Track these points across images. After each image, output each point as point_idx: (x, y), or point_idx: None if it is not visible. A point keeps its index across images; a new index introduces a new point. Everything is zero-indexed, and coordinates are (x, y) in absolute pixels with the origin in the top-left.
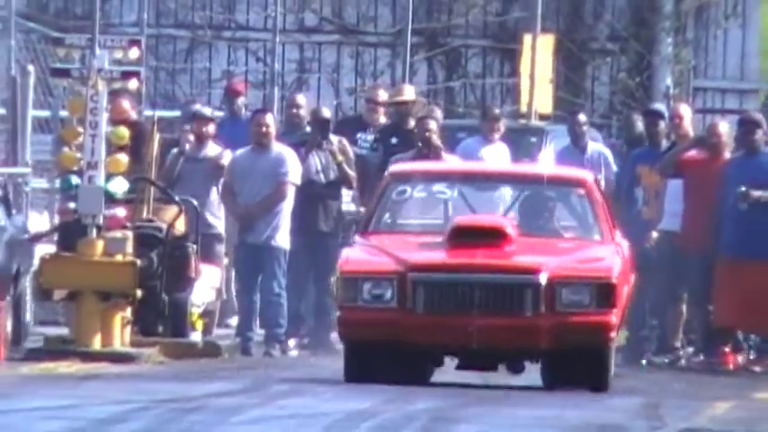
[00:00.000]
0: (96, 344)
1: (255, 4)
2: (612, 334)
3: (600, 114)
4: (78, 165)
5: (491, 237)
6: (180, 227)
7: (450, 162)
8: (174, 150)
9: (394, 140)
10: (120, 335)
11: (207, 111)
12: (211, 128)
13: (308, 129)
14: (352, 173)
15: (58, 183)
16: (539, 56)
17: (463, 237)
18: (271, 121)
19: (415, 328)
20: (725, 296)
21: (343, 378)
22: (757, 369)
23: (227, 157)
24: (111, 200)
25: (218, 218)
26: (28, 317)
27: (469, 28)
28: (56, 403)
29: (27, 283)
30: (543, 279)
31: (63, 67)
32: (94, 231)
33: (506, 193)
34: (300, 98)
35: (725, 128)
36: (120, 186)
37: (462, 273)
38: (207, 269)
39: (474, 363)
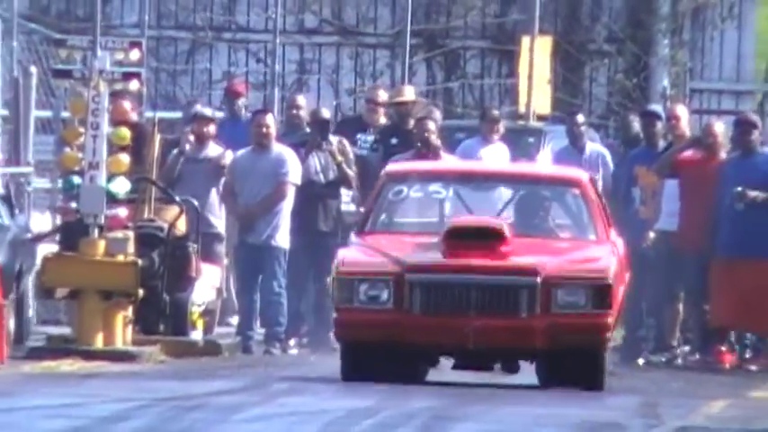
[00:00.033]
0: (98, 342)
1: (256, 5)
2: (608, 335)
3: (597, 115)
4: (80, 165)
5: (487, 238)
6: (181, 227)
7: (447, 161)
8: (175, 151)
9: (394, 141)
10: (122, 334)
11: (208, 111)
12: (212, 128)
13: (308, 129)
14: (351, 173)
15: (60, 183)
16: (537, 57)
17: (459, 237)
18: (271, 121)
19: (411, 328)
20: (721, 295)
21: (341, 378)
22: (753, 368)
23: (228, 158)
24: (112, 200)
25: (218, 218)
26: (30, 315)
27: (468, 29)
28: (58, 401)
29: (29, 283)
30: (539, 280)
31: (65, 69)
32: (96, 231)
33: (502, 192)
34: (300, 99)
35: (721, 128)
36: (121, 186)
37: (459, 274)
38: (207, 268)
39: (470, 363)
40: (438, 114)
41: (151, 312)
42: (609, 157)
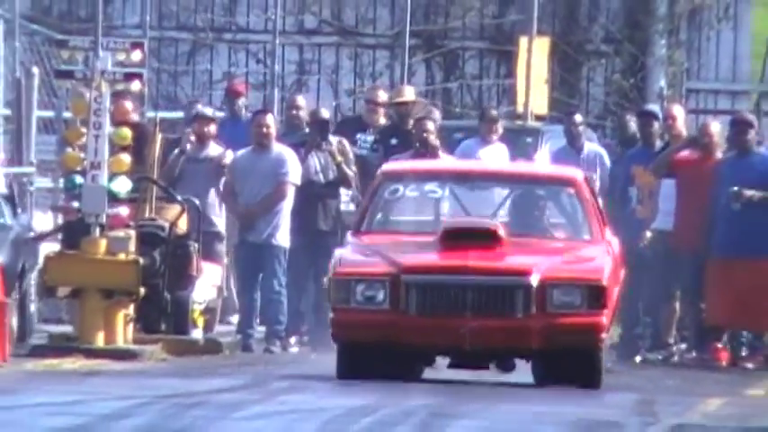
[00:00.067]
0: (100, 341)
1: (256, 6)
2: (603, 335)
3: (594, 115)
4: (82, 165)
5: (483, 238)
6: (182, 226)
7: (443, 161)
8: (176, 150)
9: (394, 141)
10: (123, 332)
11: (208, 111)
12: (213, 128)
13: (308, 129)
14: (351, 173)
15: (62, 182)
16: (535, 58)
17: (455, 238)
18: (271, 121)
19: (407, 329)
20: (717, 294)
21: (336, 377)
22: (749, 365)
23: (228, 157)
24: (114, 199)
25: (219, 217)
26: (32, 312)
27: (467, 30)
28: (60, 399)
29: (32, 281)
30: (534, 281)
31: (67, 69)
32: (98, 230)
33: (498, 192)
34: (300, 99)
35: (716, 128)
36: (122, 186)
37: (454, 275)
38: (208, 267)
39: (466, 362)
40: (437, 114)
41: (152, 311)
42: (606, 157)
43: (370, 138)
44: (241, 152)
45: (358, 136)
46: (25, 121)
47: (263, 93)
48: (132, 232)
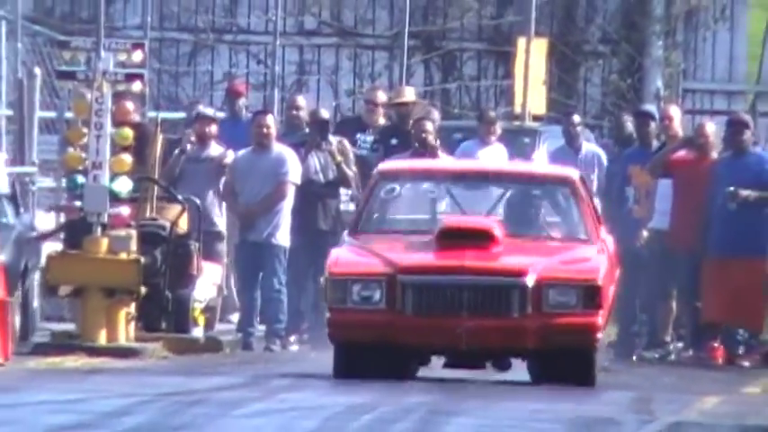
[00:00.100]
0: (101, 339)
1: (256, 7)
2: (598, 335)
3: (592, 115)
4: (83, 165)
5: (479, 238)
6: (182, 225)
7: (438, 160)
8: (177, 150)
9: (394, 141)
10: (125, 330)
11: (209, 111)
12: (214, 128)
13: (308, 130)
14: (350, 173)
15: (64, 182)
16: (532, 58)
17: (451, 238)
18: (271, 122)
19: (404, 329)
20: (713, 293)
21: (333, 377)
22: (746, 364)
23: (229, 157)
24: (115, 199)
25: (219, 216)
26: (35, 311)
27: (465, 31)
28: (62, 397)
29: (35, 280)
30: (530, 281)
31: (68, 70)
32: (99, 229)
33: (494, 191)
34: (300, 99)
35: (712, 128)
36: (124, 186)
37: (450, 275)
38: (208, 266)
39: (462, 362)
40: (436, 115)
41: (153, 309)
42: (604, 157)
43: (370, 138)
44: (241, 152)
45: (358, 136)
46: (27, 121)
47: (263, 93)
48: (133, 232)
